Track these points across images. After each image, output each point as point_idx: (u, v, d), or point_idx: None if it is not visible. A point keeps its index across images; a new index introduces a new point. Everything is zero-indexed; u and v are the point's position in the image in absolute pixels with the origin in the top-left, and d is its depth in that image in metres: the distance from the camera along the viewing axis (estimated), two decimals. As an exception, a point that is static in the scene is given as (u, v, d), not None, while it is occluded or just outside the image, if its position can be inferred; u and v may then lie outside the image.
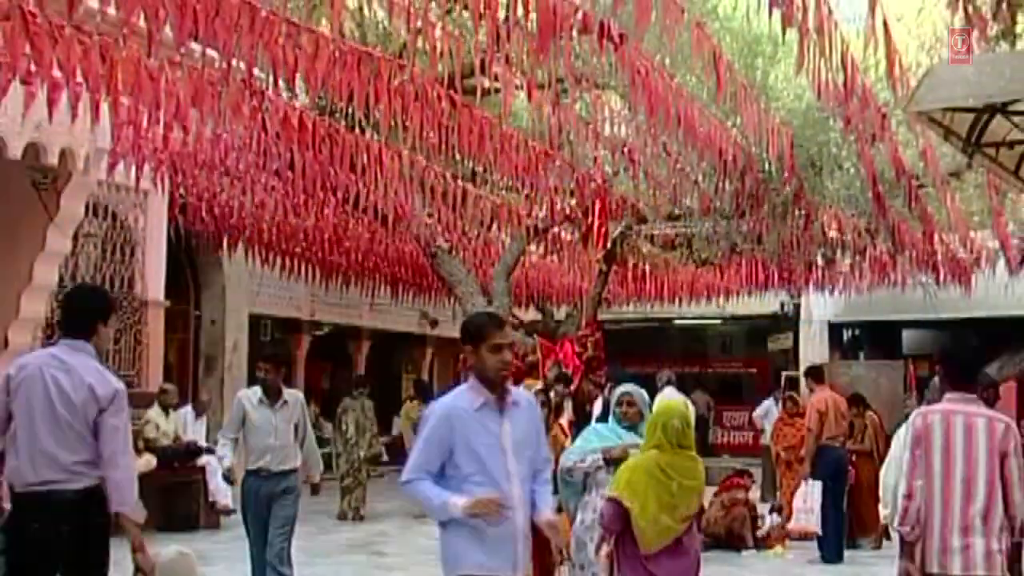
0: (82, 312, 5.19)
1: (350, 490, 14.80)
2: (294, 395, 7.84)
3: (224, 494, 13.02)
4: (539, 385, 7.40)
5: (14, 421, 4.98)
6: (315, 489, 8.39)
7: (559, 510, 6.29)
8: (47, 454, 4.92)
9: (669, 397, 10.80)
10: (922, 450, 5.27)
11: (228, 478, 8.21)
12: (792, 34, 6.89)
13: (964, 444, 5.18)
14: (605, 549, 5.81)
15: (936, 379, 6.27)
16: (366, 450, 14.88)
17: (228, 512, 12.67)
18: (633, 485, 5.54)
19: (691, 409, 7.68)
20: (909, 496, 5.28)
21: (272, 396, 7.64)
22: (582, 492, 6.39)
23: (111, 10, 5.82)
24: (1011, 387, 15.11)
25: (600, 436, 6.45)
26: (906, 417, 5.95)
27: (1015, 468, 5.11)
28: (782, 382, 19.04)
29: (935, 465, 5.23)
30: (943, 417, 5.29)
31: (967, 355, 5.70)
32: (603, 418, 7.03)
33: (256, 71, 6.99)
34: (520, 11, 6.56)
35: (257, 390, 7.68)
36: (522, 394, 5.02)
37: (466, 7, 7.57)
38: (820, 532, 11.61)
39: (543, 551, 6.01)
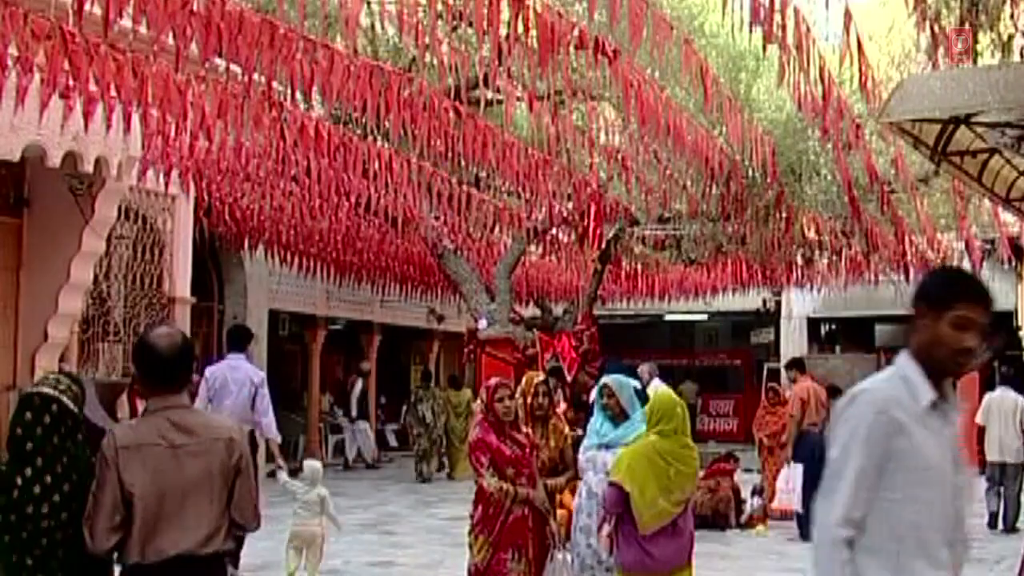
0: (241, 339, 9.17)
1: (424, 459, 17.27)
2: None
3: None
4: (540, 376, 7.34)
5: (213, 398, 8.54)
6: None
7: (552, 497, 6.33)
8: (228, 411, 8.20)
9: (660, 388, 10.82)
10: None
11: None
12: (773, 50, 6.93)
13: None
14: (606, 530, 5.82)
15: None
16: (440, 430, 17.56)
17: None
18: (633, 470, 5.54)
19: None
20: None
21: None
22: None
23: (143, 29, 5.85)
24: (973, 377, 15.12)
25: (597, 434, 6.47)
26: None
27: None
28: (764, 373, 19.04)
29: None
30: None
31: None
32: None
33: (275, 84, 7.01)
34: (521, 28, 6.58)
35: (912, 382, 2.91)
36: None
37: (470, 24, 7.59)
38: (800, 511, 11.65)
39: (540, 535, 6.05)
